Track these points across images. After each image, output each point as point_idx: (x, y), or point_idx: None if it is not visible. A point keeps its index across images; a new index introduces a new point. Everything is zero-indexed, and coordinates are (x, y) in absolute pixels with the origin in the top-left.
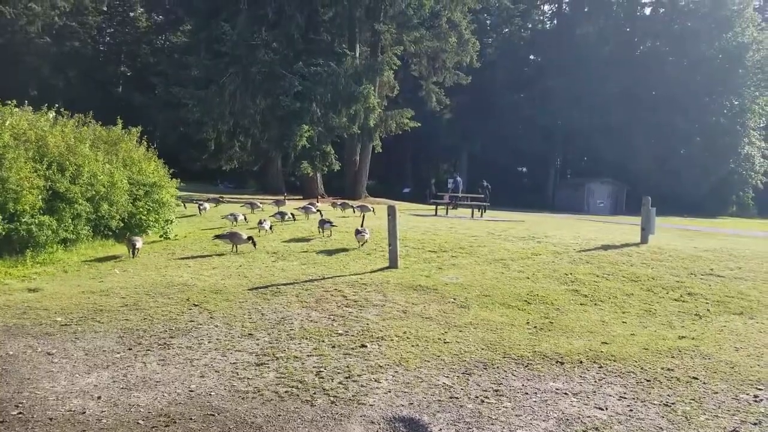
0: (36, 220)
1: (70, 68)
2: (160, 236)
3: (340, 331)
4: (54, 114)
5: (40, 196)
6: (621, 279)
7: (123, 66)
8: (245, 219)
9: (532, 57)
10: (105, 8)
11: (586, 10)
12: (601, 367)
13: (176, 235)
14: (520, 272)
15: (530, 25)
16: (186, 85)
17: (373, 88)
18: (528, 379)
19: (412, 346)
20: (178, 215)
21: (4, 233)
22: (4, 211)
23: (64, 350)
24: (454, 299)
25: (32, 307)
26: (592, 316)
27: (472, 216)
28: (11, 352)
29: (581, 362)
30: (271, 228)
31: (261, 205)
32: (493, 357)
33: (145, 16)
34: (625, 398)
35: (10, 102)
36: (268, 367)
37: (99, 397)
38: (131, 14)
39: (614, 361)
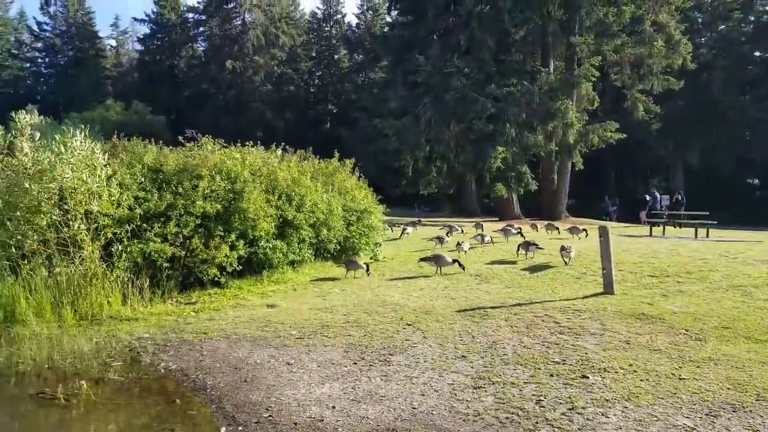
0: (270, 245)
1: (288, 110)
2: (371, 258)
3: (556, 360)
4: (281, 151)
5: (273, 224)
6: None
7: (330, 104)
8: (457, 240)
9: (756, 53)
10: (314, 54)
11: None
12: None
13: (384, 257)
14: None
15: (752, 18)
16: (385, 116)
17: (570, 102)
18: None
19: (641, 380)
20: (384, 238)
21: (246, 256)
22: (246, 236)
23: (300, 361)
24: (686, 331)
25: (271, 321)
26: None
27: (696, 236)
28: (258, 361)
29: None
30: (468, 250)
31: (459, 228)
32: (743, 398)
33: (347, 57)
34: None
35: (248, 143)
36: (486, 391)
37: (333, 407)
38: (335, 57)
39: None
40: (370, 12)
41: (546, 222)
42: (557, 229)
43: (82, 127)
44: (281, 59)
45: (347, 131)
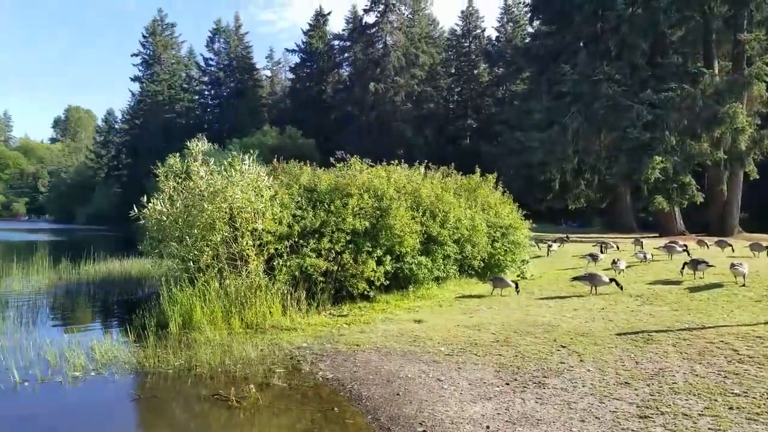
0: (415, 260)
1: (428, 127)
2: (517, 276)
3: (736, 391)
4: (423, 168)
5: (417, 240)
6: None
7: (469, 119)
8: (612, 258)
9: None
10: (453, 70)
11: None
12: None
13: (532, 275)
14: None
15: None
16: (528, 129)
17: (740, 105)
18: None
19: None
20: (531, 255)
21: (392, 271)
22: (392, 252)
23: (451, 378)
24: None
25: (419, 336)
26: None
27: None
28: (409, 375)
29: None
30: (625, 268)
31: (614, 244)
32: None
33: (487, 71)
34: None
35: (393, 162)
36: (654, 422)
37: (488, 427)
38: (475, 72)
39: None
40: (511, 24)
41: (716, 238)
42: (731, 246)
43: (251, 152)
44: (421, 78)
45: (488, 146)
